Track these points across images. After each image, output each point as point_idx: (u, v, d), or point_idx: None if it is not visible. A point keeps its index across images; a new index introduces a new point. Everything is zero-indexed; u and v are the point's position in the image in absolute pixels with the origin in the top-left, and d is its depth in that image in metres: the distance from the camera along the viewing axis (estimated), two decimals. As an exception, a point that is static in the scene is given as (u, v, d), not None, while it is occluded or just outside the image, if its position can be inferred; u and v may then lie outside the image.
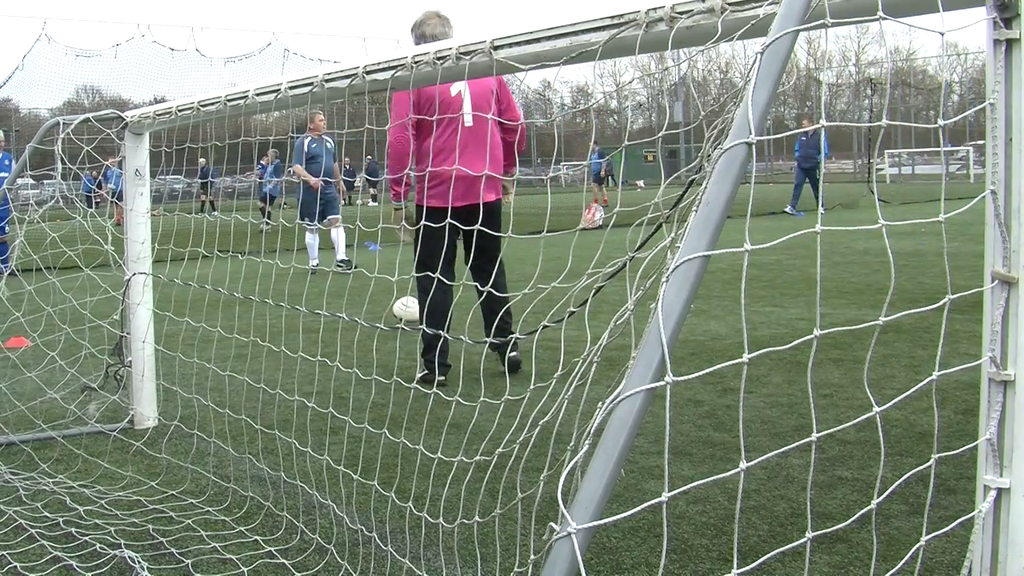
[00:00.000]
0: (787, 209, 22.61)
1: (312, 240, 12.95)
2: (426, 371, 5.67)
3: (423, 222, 3.71)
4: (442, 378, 5.53)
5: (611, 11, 2.28)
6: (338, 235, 13.45)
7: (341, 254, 13.55)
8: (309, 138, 13.13)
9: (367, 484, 3.37)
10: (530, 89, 66.80)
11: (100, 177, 18.95)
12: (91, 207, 5.58)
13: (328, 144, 13.41)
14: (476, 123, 5.83)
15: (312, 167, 12.91)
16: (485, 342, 3.57)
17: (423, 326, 4.63)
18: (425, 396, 4.85)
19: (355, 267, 11.56)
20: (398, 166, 5.95)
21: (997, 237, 1.61)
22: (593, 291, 2.44)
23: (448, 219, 2.96)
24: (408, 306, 7.57)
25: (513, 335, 2.69)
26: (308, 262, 12.56)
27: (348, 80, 3.27)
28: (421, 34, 5.91)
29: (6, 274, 5.39)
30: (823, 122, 1.59)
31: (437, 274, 3.23)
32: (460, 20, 6.54)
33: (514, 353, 5.83)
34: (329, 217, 12.87)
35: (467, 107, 5.80)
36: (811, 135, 21.16)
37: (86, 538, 3.46)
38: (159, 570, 3.19)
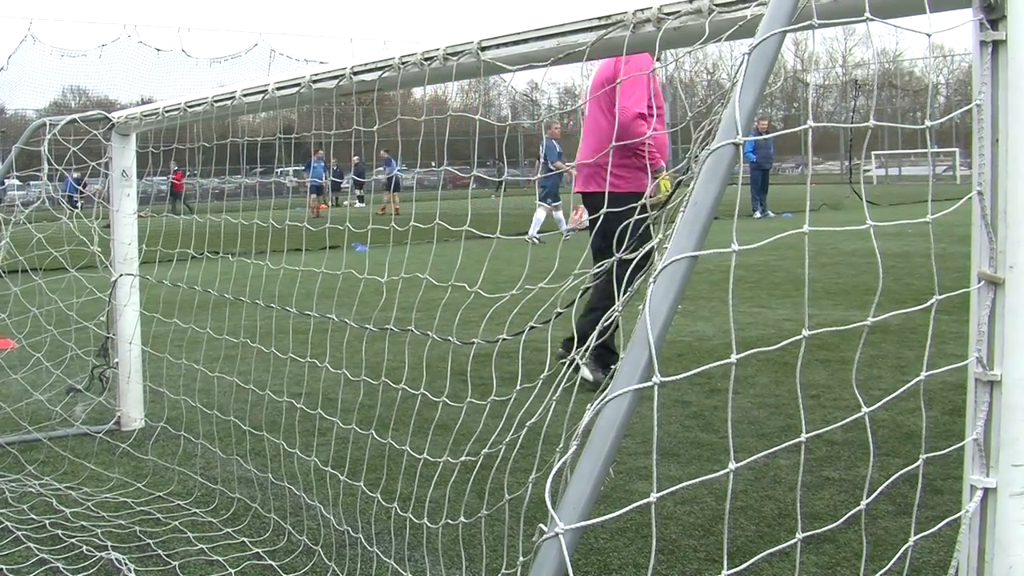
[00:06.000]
0: (780, 214, 22.41)
1: (540, 215, 17.46)
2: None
3: None
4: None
5: (599, 12, 2.28)
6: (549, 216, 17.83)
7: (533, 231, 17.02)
8: (551, 141, 17.73)
9: (354, 485, 3.36)
10: (516, 91, 66.80)
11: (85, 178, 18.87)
12: (75, 208, 5.53)
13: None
14: (590, 110, 5.81)
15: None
16: (472, 343, 3.55)
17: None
18: (412, 397, 4.84)
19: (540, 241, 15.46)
20: None
21: (984, 238, 1.61)
22: (580, 292, 2.44)
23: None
24: None
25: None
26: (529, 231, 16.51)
27: (336, 81, 3.26)
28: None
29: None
30: (811, 123, 1.59)
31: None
32: (450, 19, 6.42)
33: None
34: (554, 203, 17.97)
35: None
36: (762, 135, 20.50)
37: (73, 540, 3.45)
38: (146, 572, 3.17)
